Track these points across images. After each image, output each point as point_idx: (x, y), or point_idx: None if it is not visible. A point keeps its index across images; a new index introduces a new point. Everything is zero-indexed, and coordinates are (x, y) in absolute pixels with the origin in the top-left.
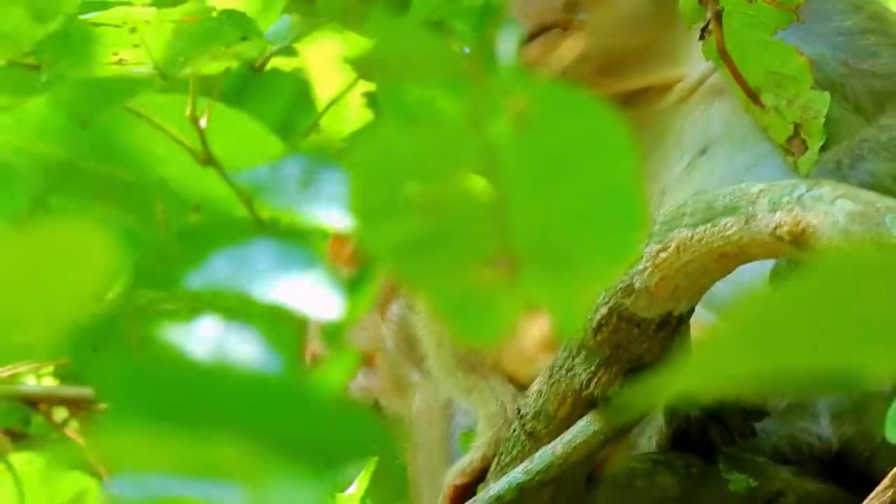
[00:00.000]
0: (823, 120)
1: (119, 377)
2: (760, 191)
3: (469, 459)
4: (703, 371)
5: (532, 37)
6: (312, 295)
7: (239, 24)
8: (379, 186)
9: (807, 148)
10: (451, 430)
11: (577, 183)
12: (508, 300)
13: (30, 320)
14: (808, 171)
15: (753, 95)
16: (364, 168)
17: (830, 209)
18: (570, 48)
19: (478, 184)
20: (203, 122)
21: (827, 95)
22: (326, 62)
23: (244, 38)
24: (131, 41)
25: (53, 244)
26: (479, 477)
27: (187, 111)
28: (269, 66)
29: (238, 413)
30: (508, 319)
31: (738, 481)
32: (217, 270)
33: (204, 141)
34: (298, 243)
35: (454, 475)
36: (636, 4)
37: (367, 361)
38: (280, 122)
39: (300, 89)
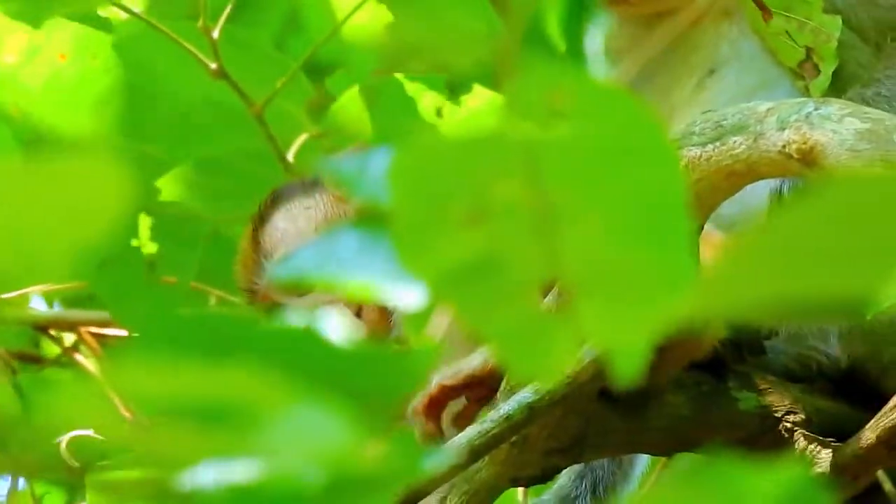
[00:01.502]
0: (836, 44)
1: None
2: (769, 109)
3: (467, 364)
4: (712, 295)
5: None
6: (396, 283)
7: None
8: (420, 201)
9: (819, 72)
10: None
11: (624, 192)
12: (564, 334)
13: (41, 248)
14: (820, 95)
15: (763, 7)
16: (403, 182)
17: (838, 127)
18: None
19: (524, 196)
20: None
21: (838, 19)
22: None
23: None
24: None
25: (67, 174)
26: (470, 385)
27: (199, 24)
28: None
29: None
30: (565, 353)
31: (748, 400)
32: (303, 260)
33: (217, 53)
34: (382, 231)
35: (445, 375)
36: None
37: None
38: (274, 38)
39: (290, 14)
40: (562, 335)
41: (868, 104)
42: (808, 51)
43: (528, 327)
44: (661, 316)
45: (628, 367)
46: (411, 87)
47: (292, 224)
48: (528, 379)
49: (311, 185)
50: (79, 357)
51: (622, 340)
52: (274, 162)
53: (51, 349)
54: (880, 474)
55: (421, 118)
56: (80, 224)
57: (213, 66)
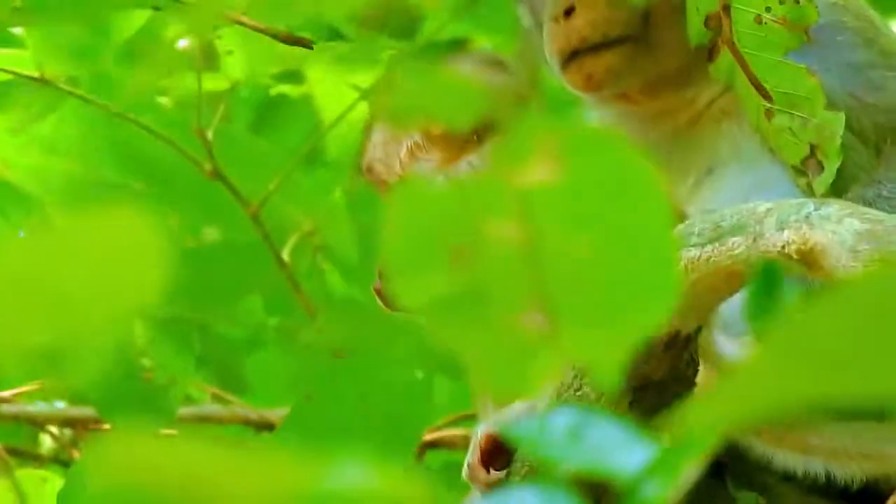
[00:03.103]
0: (840, 141)
1: None
2: (768, 210)
3: (515, 411)
4: (734, 399)
5: (596, 48)
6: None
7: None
8: (413, 239)
9: (822, 168)
10: None
11: (611, 232)
12: (547, 356)
13: (89, 312)
14: (823, 192)
15: (765, 94)
16: (398, 221)
17: (838, 228)
18: (633, 61)
19: (512, 233)
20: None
21: (842, 116)
22: (334, 89)
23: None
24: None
25: (106, 234)
26: None
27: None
28: (275, 92)
29: None
30: (548, 374)
31: (747, 499)
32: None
33: (211, 154)
34: (557, 490)
35: (493, 424)
36: (683, 25)
37: None
38: (296, 149)
39: (314, 126)
40: (543, 356)
41: (869, 205)
42: (813, 147)
43: (511, 351)
44: (638, 335)
45: (605, 379)
46: None
47: (386, 136)
48: (510, 398)
49: None
50: (77, 454)
51: (601, 358)
52: (267, 258)
53: (49, 446)
54: None
55: None
56: (126, 282)
57: (208, 166)
